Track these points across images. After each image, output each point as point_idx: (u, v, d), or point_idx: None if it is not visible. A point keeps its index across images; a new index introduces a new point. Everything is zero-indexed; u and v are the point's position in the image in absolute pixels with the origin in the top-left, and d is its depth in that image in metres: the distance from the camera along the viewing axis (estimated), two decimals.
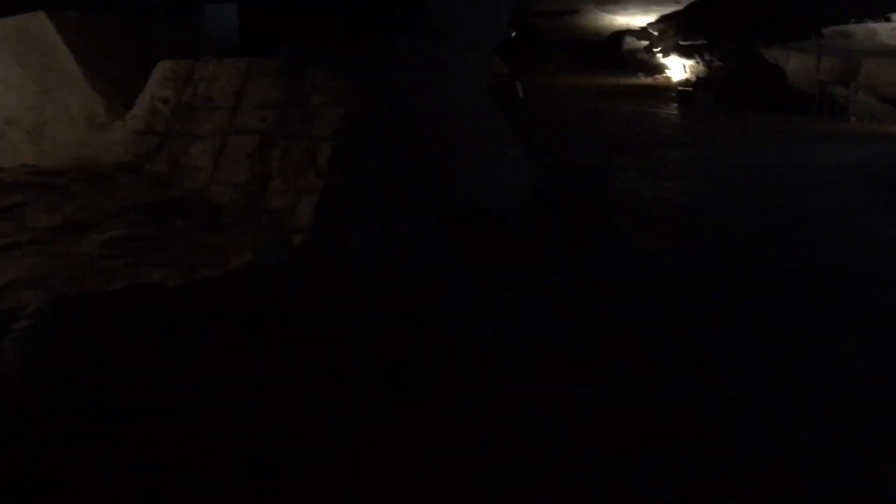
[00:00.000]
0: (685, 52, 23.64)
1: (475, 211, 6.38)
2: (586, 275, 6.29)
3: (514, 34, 16.72)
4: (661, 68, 26.13)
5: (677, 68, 24.84)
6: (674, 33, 24.26)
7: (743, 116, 17.23)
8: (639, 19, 25.28)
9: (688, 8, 22.57)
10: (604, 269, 6.48)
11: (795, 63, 19.51)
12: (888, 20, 15.80)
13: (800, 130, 15.27)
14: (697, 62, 23.19)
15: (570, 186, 8.79)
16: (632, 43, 27.53)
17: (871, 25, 16.35)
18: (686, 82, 23.63)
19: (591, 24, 26.44)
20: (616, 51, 28.30)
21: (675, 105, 19.55)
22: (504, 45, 25.05)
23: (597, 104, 19.10)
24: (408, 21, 8.94)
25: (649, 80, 25.90)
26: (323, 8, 7.73)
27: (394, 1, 8.49)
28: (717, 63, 21.91)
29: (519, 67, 26.13)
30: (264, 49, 7.16)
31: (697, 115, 17.71)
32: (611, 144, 12.73)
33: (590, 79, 25.49)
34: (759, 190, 9.62)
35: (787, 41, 18.68)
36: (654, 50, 26.06)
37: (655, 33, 25.71)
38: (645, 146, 12.56)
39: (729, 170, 10.68)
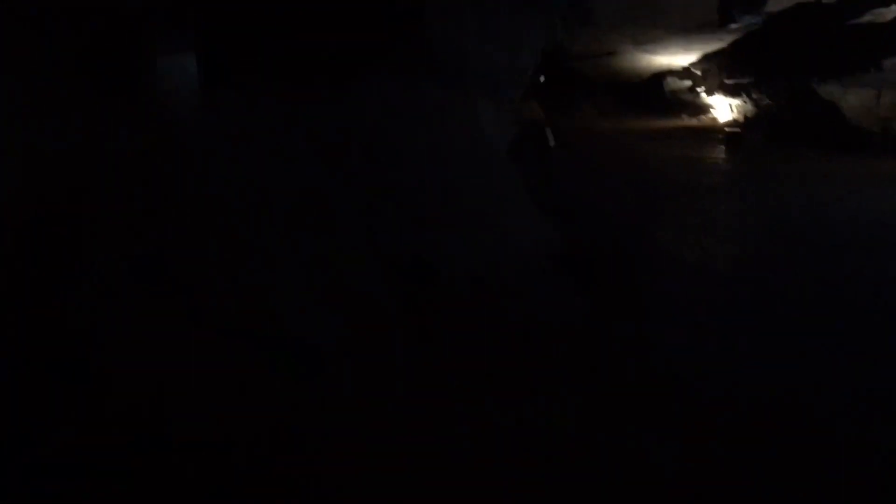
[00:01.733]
0: (731, 91, 22.34)
1: (456, 280, 5.21)
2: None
3: (543, 79, 15.67)
4: (705, 109, 24.86)
5: (723, 108, 23.51)
6: (718, 71, 23.01)
7: (796, 158, 15.82)
8: (680, 58, 24.06)
9: (732, 44, 21.30)
10: (617, 390, 5.00)
11: (852, 98, 18.04)
12: None
13: (860, 173, 13.80)
14: (745, 101, 21.86)
15: (595, 249, 7.56)
16: (674, 83, 26.31)
17: None
18: (733, 123, 22.29)
19: (630, 65, 25.30)
20: (657, 92, 27.09)
21: (722, 147, 18.25)
22: (538, 89, 24.18)
23: (637, 149, 17.89)
24: (405, 60, 7.86)
25: (694, 122, 24.62)
26: (296, 44, 6.73)
27: (384, 34, 7.44)
28: (767, 101, 20.56)
29: (555, 112, 25.17)
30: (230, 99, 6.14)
31: (746, 157, 16.37)
32: (649, 195, 11.49)
33: (630, 122, 24.35)
34: (817, 252, 8.18)
35: (843, 75, 17.25)
36: (698, 90, 24.83)
37: (698, 72, 24.46)
38: (687, 196, 11.27)
39: (782, 225, 9.29)
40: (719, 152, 17.80)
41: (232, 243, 4.50)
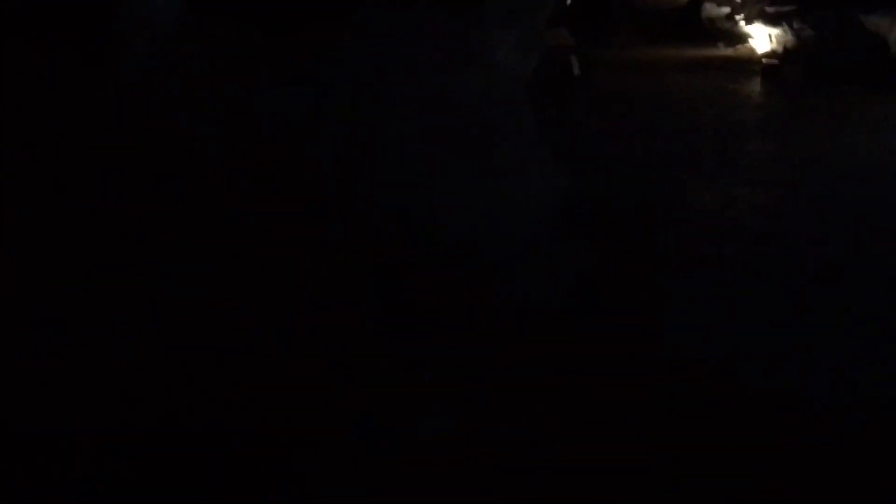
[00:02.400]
0: (772, 20, 21.14)
1: (443, 243, 4.70)
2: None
3: (569, 1, 14.72)
4: (743, 38, 23.63)
5: (762, 38, 22.30)
6: None
7: (838, 96, 14.87)
8: None
9: None
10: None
11: None
12: None
13: None
14: (785, 31, 20.68)
15: (610, 197, 6.93)
16: (712, 10, 25.04)
17: None
18: (772, 54, 21.14)
19: None
20: (694, 19, 25.81)
21: (758, 80, 17.28)
22: (565, 14, 23.07)
23: (668, 81, 16.98)
24: None
25: (730, 52, 23.43)
26: None
27: None
28: (809, 32, 19.40)
29: (585, 40, 24.07)
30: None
31: (783, 93, 15.46)
32: (676, 133, 10.79)
33: (665, 51, 23.19)
34: (865, 210, 7.41)
35: (892, 7, 16.11)
36: (737, 17, 23.57)
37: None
38: (717, 135, 10.56)
39: (820, 172, 8.54)
40: (755, 85, 16.86)
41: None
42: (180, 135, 4.22)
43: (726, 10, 24.43)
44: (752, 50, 23.45)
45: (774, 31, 21.59)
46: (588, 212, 6.26)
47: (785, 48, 21.02)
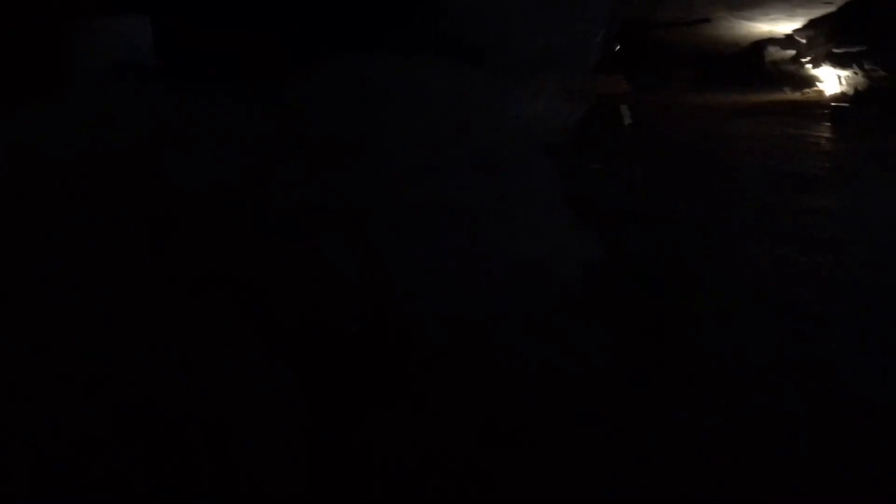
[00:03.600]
0: (840, 62, 20.00)
1: (427, 332, 3.91)
2: None
3: (618, 47, 13.99)
4: (810, 81, 22.50)
5: (831, 80, 21.15)
6: (826, 40, 20.69)
7: None
8: (783, 26, 21.78)
9: (842, 9, 18.99)
10: None
11: None
12: None
13: None
14: (855, 72, 19.52)
15: (644, 267, 5.97)
16: (775, 53, 23.98)
17: None
18: (841, 96, 19.94)
19: (726, 33, 23.13)
20: (757, 63, 24.79)
21: (828, 125, 16.13)
22: (622, 62, 22.32)
23: (728, 128, 15.98)
24: (423, 34, 6.54)
25: (797, 96, 22.32)
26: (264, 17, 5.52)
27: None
28: (881, 72, 18.20)
29: (642, 87, 23.24)
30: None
31: (854, 138, 14.29)
32: (732, 184, 9.81)
33: (724, 97, 22.23)
34: None
35: None
36: (803, 60, 22.48)
37: (803, 41, 22.14)
38: (779, 187, 9.52)
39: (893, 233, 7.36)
40: (825, 130, 15.72)
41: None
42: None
43: (791, 52, 23.33)
44: (821, 93, 22.24)
45: (844, 73, 20.40)
46: (615, 286, 5.32)
47: (856, 90, 19.80)
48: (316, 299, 3.69)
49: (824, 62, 20.79)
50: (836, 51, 20.04)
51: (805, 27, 21.55)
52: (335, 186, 4.22)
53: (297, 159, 4.16)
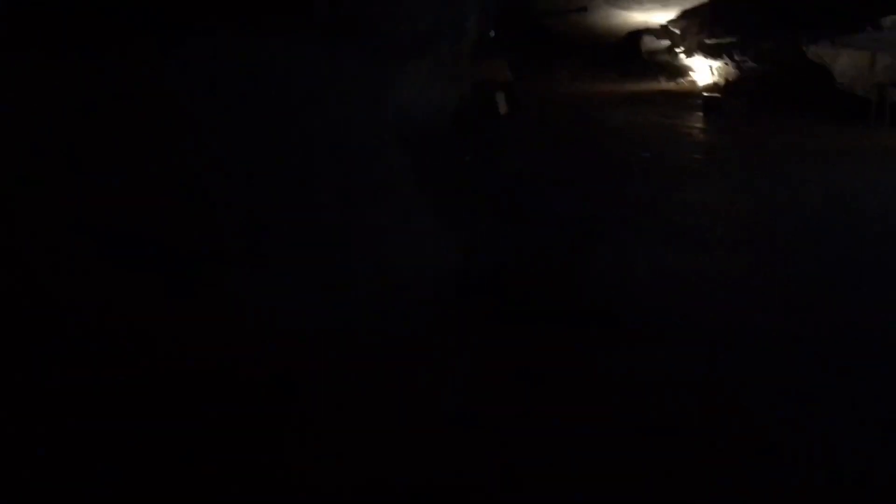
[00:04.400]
0: (712, 52, 20.41)
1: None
2: None
3: (493, 34, 13.57)
4: (684, 71, 22.92)
5: (704, 71, 21.57)
6: (698, 30, 21.08)
7: (782, 129, 13.95)
8: (658, 16, 22.08)
9: (713, 1, 19.33)
10: None
11: (845, 62, 16.14)
12: None
13: (857, 148, 11.97)
14: (726, 63, 19.94)
15: (513, 270, 5.45)
16: (651, 43, 24.32)
17: None
18: (713, 87, 20.35)
19: (604, 22, 23.29)
20: (634, 53, 25.08)
21: (700, 115, 16.35)
22: (505, 48, 22.06)
23: (605, 117, 15.94)
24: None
25: (671, 85, 22.69)
26: None
27: None
28: (750, 64, 18.64)
29: (526, 74, 23.09)
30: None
31: (726, 127, 14.48)
32: (609, 175, 9.56)
33: (604, 85, 22.34)
34: (828, 271, 6.02)
35: (836, 34, 15.31)
36: (677, 50, 22.88)
37: (677, 31, 22.52)
38: (654, 180, 9.35)
39: (775, 224, 7.16)
40: (697, 120, 15.91)
41: None
42: None
43: (666, 42, 23.70)
44: (694, 83, 22.67)
45: (716, 64, 20.83)
46: (484, 290, 4.79)
47: (727, 80, 20.24)
48: None
49: (697, 53, 21.17)
50: (708, 42, 20.42)
51: (679, 18, 21.91)
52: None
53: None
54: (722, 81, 20.41)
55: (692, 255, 6.12)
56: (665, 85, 23.14)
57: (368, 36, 7.54)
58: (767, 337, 4.66)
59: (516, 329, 4.38)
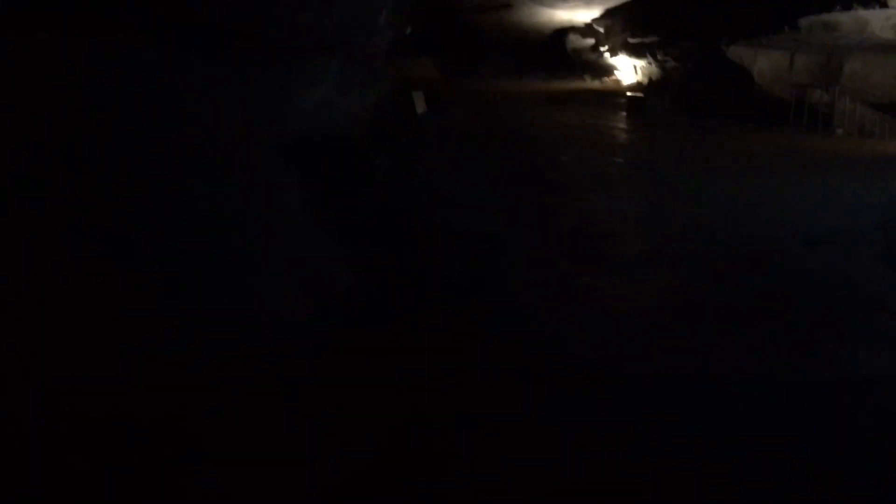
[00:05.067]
0: (635, 51, 20.35)
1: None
2: None
3: (409, 31, 13.10)
4: (609, 70, 22.88)
5: (628, 70, 21.54)
6: (622, 29, 21.00)
7: (703, 130, 13.87)
8: (582, 14, 21.93)
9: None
10: None
11: (763, 62, 16.22)
12: (884, 5, 12.43)
13: (774, 151, 11.95)
14: (650, 62, 19.89)
15: (409, 301, 4.91)
16: (576, 41, 24.21)
17: (861, 13, 13.00)
18: (637, 86, 20.29)
19: (529, 19, 23.03)
20: (560, 51, 24.94)
21: (624, 115, 16.20)
22: (427, 46, 21.59)
23: (527, 115, 15.64)
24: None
25: (596, 84, 22.62)
26: None
27: None
28: (673, 63, 18.58)
29: (453, 72, 22.65)
30: None
31: (649, 129, 14.30)
32: (526, 182, 9.19)
33: (529, 83, 22.12)
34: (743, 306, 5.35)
35: (755, 35, 15.31)
36: (602, 49, 22.79)
37: (601, 30, 22.42)
38: (574, 187, 9.01)
39: (690, 247, 6.61)
40: (621, 120, 15.74)
41: None
42: None
43: (591, 41, 23.59)
44: (619, 82, 22.62)
45: (640, 63, 20.76)
46: (372, 320, 4.25)
47: (650, 80, 20.20)
48: None
49: (622, 51, 21.09)
50: (631, 41, 20.35)
51: (603, 16, 21.80)
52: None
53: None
54: (645, 81, 20.37)
55: (597, 277, 5.66)
56: (590, 84, 23.03)
57: (264, 37, 6.94)
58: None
59: (403, 369, 3.89)
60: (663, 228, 7.35)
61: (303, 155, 6.62)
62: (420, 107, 12.55)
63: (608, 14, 21.35)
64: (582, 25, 23.51)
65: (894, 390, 4.31)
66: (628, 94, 18.08)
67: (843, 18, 13.24)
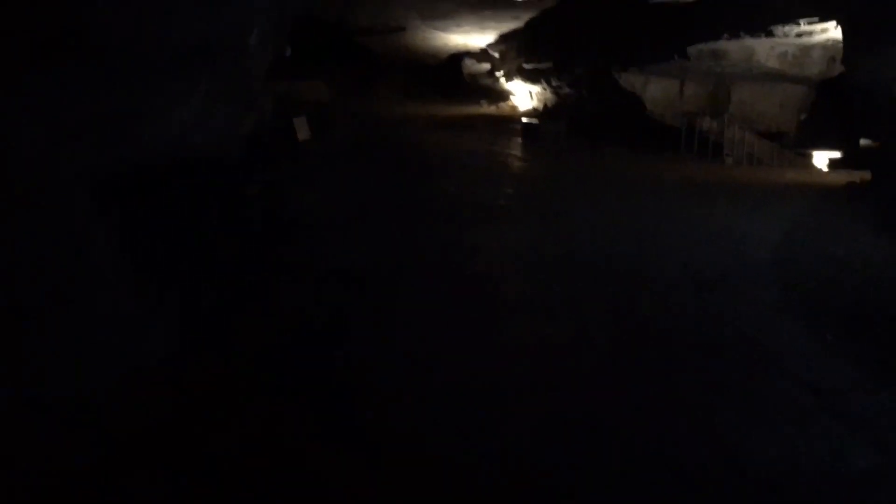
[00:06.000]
0: (530, 77, 20.19)
1: None
2: None
3: (289, 52, 12.35)
4: (505, 95, 22.68)
5: (523, 95, 21.36)
6: (516, 55, 20.81)
7: (595, 158, 13.64)
8: (476, 38, 21.64)
9: (528, 25, 19.04)
10: None
11: (654, 89, 16.24)
12: (770, 35, 12.49)
13: (667, 180, 11.76)
14: (545, 88, 19.74)
15: (248, 368, 4.13)
16: (472, 66, 23.96)
17: (748, 42, 13.07)
18: (532, 111, 20.09)
19: (423, 43, 22.61)
20: (455, 75, 24.64)
21: (518, 141, 15.85)
22: (321, 66, 20.84)
23: (422, 141, 15.07)
24: None
25: (492, 109, 22.38)
26: None
27: None
28: (567, 90, 18.45)
29: (341, 94, 21.92)
30: None
31: (543, 155, 13.96)
32: (409, 216, 8.55)
33: (424, 108, 21.65)
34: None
35: (646, 62, 15.28)
36: (497, 74, 22.58)
37: (496, 55, 22.20)
38: (457, 218, 8.41)
39: (575, 291, 6.08)
40: (515, 147, 15.38)
41: None
42: None
43: (487, 66, 23.34)
44: (514, 107, 22.39)
45: (535, 89, 20.56)
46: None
47: (545, 105, 20.02)
48: None
49: (517, 77, 20.87)
50: (526, 66, 20.17)
51: (497, 41, 21.56)
52: None
53: None
54: (541, 106, 20.18)
55: (462, 331, 4.98)
56: (486, 109, 22.72)
57: (110, 48, 6.07)
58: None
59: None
60: (548, 270, 6.75)
61: (146, 185, 5.80)
62: (303, 133, 11.76)
63: (502, 39, 21.15)
64: (477, 50, 23.26)
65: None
66: (523, 119, 17.80)
67: (731, 47, 13.28)
